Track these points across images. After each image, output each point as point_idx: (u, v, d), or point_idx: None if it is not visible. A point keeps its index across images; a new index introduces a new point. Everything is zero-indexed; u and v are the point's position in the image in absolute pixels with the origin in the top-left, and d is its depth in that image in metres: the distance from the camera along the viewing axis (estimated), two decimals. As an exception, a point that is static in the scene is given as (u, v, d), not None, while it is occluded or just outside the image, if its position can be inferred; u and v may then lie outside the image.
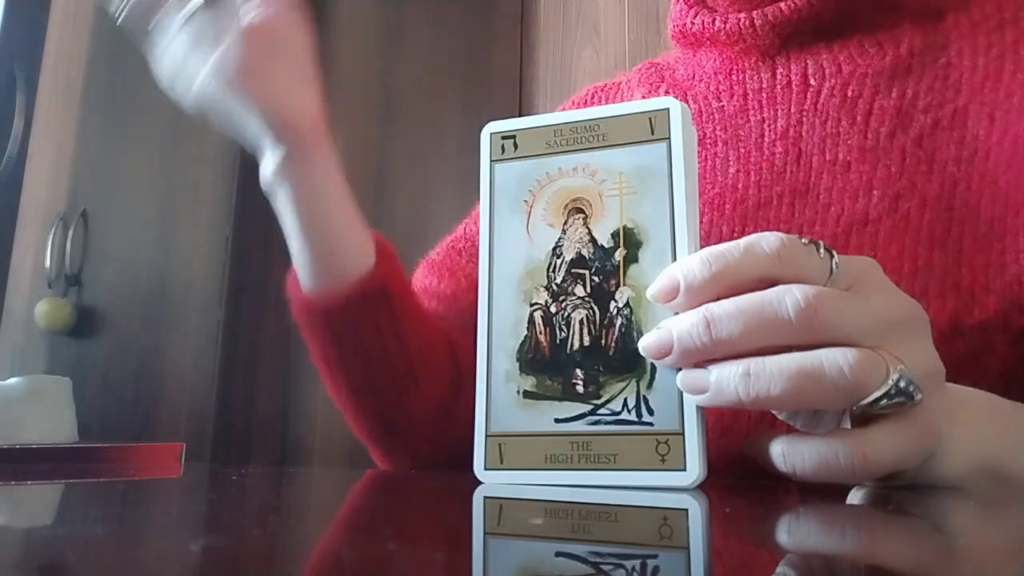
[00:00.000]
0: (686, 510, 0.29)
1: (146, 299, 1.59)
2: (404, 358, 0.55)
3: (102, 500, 0.35)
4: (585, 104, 0.66)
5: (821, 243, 0.33)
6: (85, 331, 1.63)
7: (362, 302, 0.53)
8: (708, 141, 0.56)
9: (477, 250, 0.65)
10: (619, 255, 0.35)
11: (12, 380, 1.35)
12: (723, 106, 0.56)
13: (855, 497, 0.33)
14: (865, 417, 0.32)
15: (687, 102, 0.57)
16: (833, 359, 0.30)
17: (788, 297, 0.31)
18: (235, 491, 0.38)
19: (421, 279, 0.66)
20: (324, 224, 0.53)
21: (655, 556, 0.21)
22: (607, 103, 0.65)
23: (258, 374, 1.53)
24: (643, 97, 0.61)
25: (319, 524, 0.29)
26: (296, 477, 0.51)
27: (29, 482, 0.45)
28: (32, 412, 1.33)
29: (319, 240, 0.53)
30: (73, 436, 1.40)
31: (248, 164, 1.71)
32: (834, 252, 0.33)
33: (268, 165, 0.52)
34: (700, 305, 0.32)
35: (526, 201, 0.38)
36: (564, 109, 0.68)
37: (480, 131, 0.39)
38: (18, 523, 0.29)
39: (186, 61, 0.50)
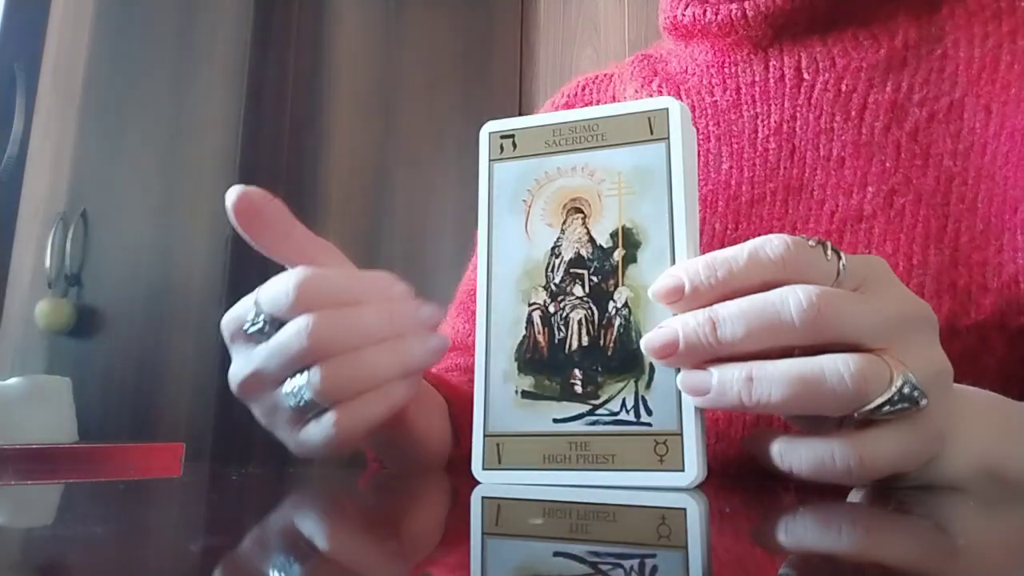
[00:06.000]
0: (684, 509, 0.29)
1: (146, 299, 1.59)
2: None
3: (102, 500, 0.35)
4: (577, 96, 0.66)
5: (828, 244, 0.32)
6: (85, 331, 1.63)
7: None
8: (701, 136, 0.55)
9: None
10: (618, 255, 0.35)
11: (12, 380, 1.35)
12: (716, 101, 0.56)
13: (855, 496, 0.33)
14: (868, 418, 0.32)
15: (679, 96, 0.57)
16: (834, 367, 0.30)
17: (792, 298, 0.30)
18: (235, 491, 0.38)
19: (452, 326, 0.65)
20: (406, 452, 0.47)
21: (653, 556, 0.21)
22: (598, 95, 0.64)
23: (258, 374, 1.53)
24: (636, 90, 0.60)
25: (319, 524, 0.28)
26: (296, 477, 0.51)
27: (29, 482, 0.44)
28: (32, 412, 1.33)
29: (402, 460, 0.49)
30: (73, 436, 1.40)
31: (248, 164, 1.72)
32: (842, 253, 0.32)
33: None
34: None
35: (525, 201, 0.37)
36: (555, 100, 0.67)
37: (478, 131, 0.39)
38: (18, 523, 0.29)
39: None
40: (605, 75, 0.66)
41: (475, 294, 0.65)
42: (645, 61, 0.63)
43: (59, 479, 0.48)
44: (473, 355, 0.61)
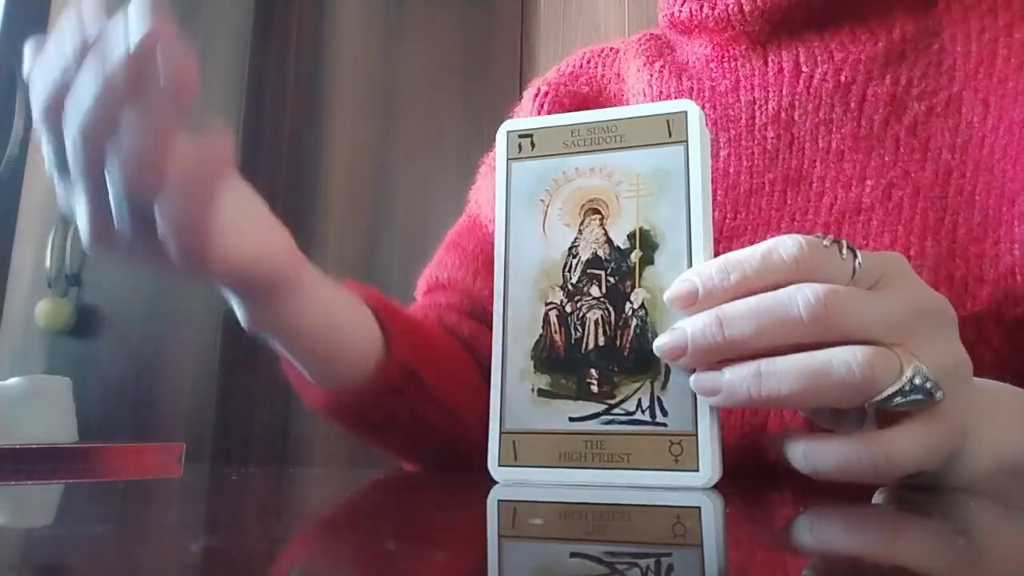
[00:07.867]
0: (699, 508, 0.29)
1: (146, 299, 1.59)
2: (446, 415, 0.51)
3: (102, 500, 0.35)
4: (582, 67, 0.65)
5: (844, 242, 0.33)
6: (85, 331, 1.63)
7: (386, 392, 0.49)
8: None
9: (477, 229, 0.64)
10: (635, 257, 0.35)
11: (12, 380, 1.35)
12: (714, 85, 0.56)
13: (877, 498, 0.32)
14: (889, 416, 0.32)
15: (682, 80, 0.57)
16: (841, 357, 0.30)
17: (800, 296, 0.31)
18: (235, 491, 0.38)
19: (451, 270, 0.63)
20: (318, 349, 0.46)
21: (669, 555, 0.21)
22: (603, 69, 0.64)
23: (258, 374, 1.53)
24: (639, 68, 0.60)
25: (319, 524, 0.28)
26: (296, 477, 0.50)
27: (29, 482, 0.44)
28: (32, 412, 1.33)
29: (318, 361, 0.47)
30: (73, 436, 1.40)
31: (248, 164, 1.71)
32: (858, 252, 0.32)
33: (240, 315, 0.43)
34: None
35: (543, 200, 0.38)
36: (560, 69, 0.66)
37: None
38: (18, 523, 0.29)
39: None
40: (611, 49, 0.65)
41: (467, 235, 0.65)
42: (652, 41, 0.63)
43: (59, 479, 0.47)
44: (459, 292, 0.61)
